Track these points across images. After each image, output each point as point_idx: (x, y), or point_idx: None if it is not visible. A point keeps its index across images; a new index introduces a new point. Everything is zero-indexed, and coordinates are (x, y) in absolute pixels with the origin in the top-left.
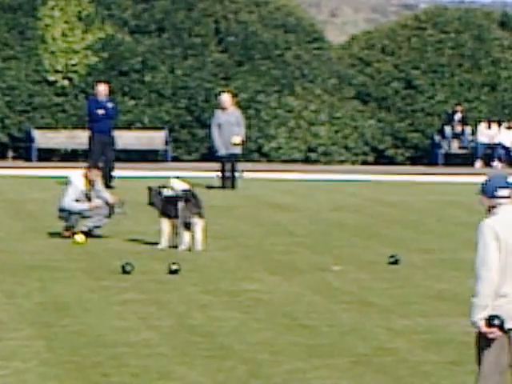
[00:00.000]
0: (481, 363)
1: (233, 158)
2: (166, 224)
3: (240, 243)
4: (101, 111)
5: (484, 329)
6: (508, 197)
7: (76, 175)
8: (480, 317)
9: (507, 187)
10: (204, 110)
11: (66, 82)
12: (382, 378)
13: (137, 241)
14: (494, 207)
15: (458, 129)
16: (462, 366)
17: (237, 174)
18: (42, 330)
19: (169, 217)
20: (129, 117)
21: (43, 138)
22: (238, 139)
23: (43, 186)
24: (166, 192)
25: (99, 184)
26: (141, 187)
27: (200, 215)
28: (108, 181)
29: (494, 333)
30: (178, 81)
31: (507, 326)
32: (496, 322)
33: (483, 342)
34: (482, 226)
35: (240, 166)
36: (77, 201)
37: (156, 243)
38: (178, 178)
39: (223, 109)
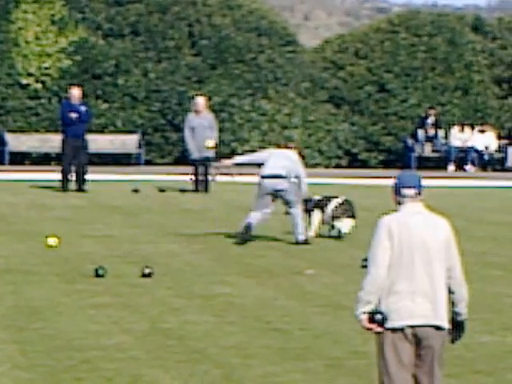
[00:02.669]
0: (383, 361)
1: (206, 162)
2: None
3: (213, 247)
4: (74, 115)
5: (365, 323)
6: (411, 197)
7: None
8: (361, 311)
9: (413, 187)
10: (177, 113)
11: (38, 86)
12: (355, 381)
13: (110, 244)
14: (399, 203)
15: (431, 132)
16: None
17: (209, 178)
18: (14, 334)
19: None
20: (102, 120)
21: (16, 142)
22: (211, 143)
23: (16, 190)
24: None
25: None
26: (114, 191)
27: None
28: (81, 184)
29: (375, 329)
30: (151, 84)
31: (400, 323)
32: (377, 317)
33: (382, 340)
34: (378, 223)
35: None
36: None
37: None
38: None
39: (197, 112)
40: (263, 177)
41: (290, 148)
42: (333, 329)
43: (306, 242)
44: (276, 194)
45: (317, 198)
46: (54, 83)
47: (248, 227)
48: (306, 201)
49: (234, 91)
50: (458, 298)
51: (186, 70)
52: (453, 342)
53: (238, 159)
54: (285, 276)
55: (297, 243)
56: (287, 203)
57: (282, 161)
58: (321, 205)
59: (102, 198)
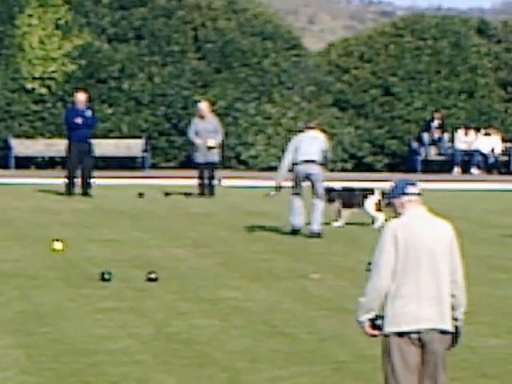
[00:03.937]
0: (390, 365)
1: (211, 166)
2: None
3: (219, 251)
4: (79, 119)
5: (368, 329)
6: (417, 194)
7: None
8: (365, 318)
9: (415, 185)
10: (182, 117)
11: (43, 90)
12: None
13: (115, 248)
14: (403, 206)
15: (436, 135)
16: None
17: (215, 182)
18: (21, 339)
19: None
20: (107, 124)
21: (21, 146)
22: (212, 142)
23: (21, 194)
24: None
25: None
26: (119, 195)
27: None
28: (86, 188)
29: (378, 334)
30: (156, 88)
31: (406, 327)
32: (378, 322)
33: (388, 345)
34: (384, 228)
35: (218, 173)
36: None
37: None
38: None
39: (201, 117)
40: (296, 163)
41: (313, 128)
42: (339, 332)
43: (318, 235)
44: (308, 178)
45: (337, 187)
46: (58, 88)
47: (297, 230)
48: (329, 190)
49: (238, 95)
50: (458, 303)
51: (190, 74)
52: (449, 348)
53: (282, 171)
54: (291, 280)
55: (310, 234)
56: (314, 192)
57: (312, 146)
58: (366, 194)
59: (107, 202)
